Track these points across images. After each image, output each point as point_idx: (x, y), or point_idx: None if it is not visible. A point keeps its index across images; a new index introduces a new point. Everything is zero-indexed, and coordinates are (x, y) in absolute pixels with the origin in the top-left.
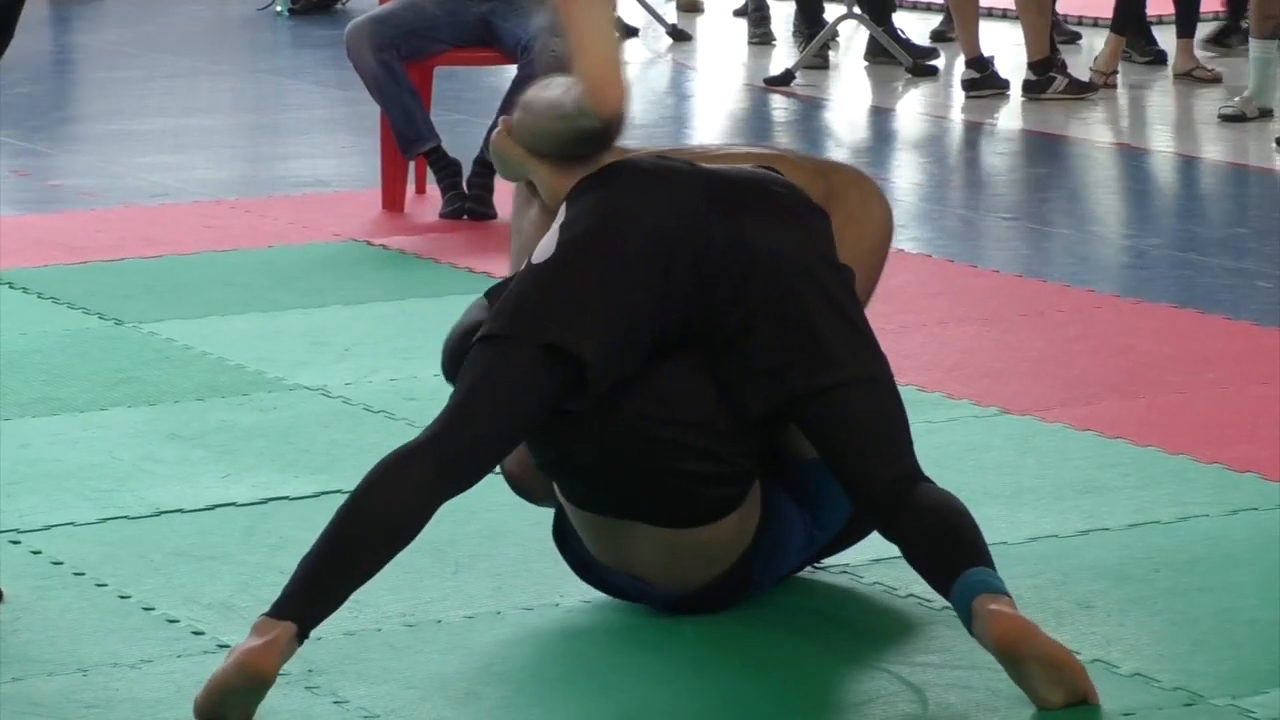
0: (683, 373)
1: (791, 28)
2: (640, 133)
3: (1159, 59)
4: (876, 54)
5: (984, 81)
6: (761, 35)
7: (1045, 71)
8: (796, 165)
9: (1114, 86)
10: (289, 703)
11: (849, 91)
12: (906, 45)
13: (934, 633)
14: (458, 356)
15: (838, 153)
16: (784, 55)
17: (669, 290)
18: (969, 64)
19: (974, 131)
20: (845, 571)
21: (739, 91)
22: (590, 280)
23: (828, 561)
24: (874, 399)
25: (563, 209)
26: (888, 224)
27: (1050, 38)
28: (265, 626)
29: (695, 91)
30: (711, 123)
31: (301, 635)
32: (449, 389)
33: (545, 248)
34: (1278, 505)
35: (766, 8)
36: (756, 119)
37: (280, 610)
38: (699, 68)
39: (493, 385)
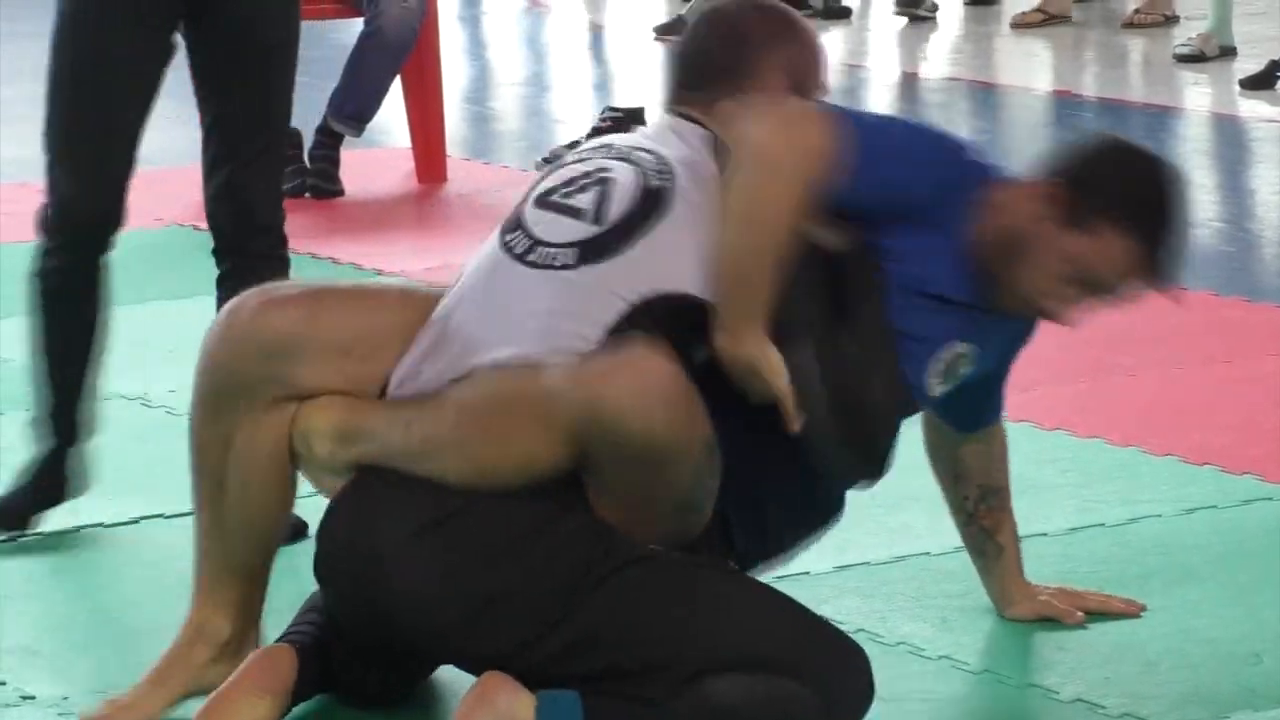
0: None
1: None
2: (515, 91)
3: None
4: None
5: None
6: None
7: None
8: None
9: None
10: None
11: None
12: None
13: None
14: None
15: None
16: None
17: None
18: None
19: (909, 83)
20: None
21: (630, 43)
22: None
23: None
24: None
25: None
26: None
27: None
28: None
29: (585, 44)
30: (589, 78)
31: None
32: None
33: None
34: (1240, 503)
35: None
36: (648, 73)
37: None
38: (587, 17)
39: None
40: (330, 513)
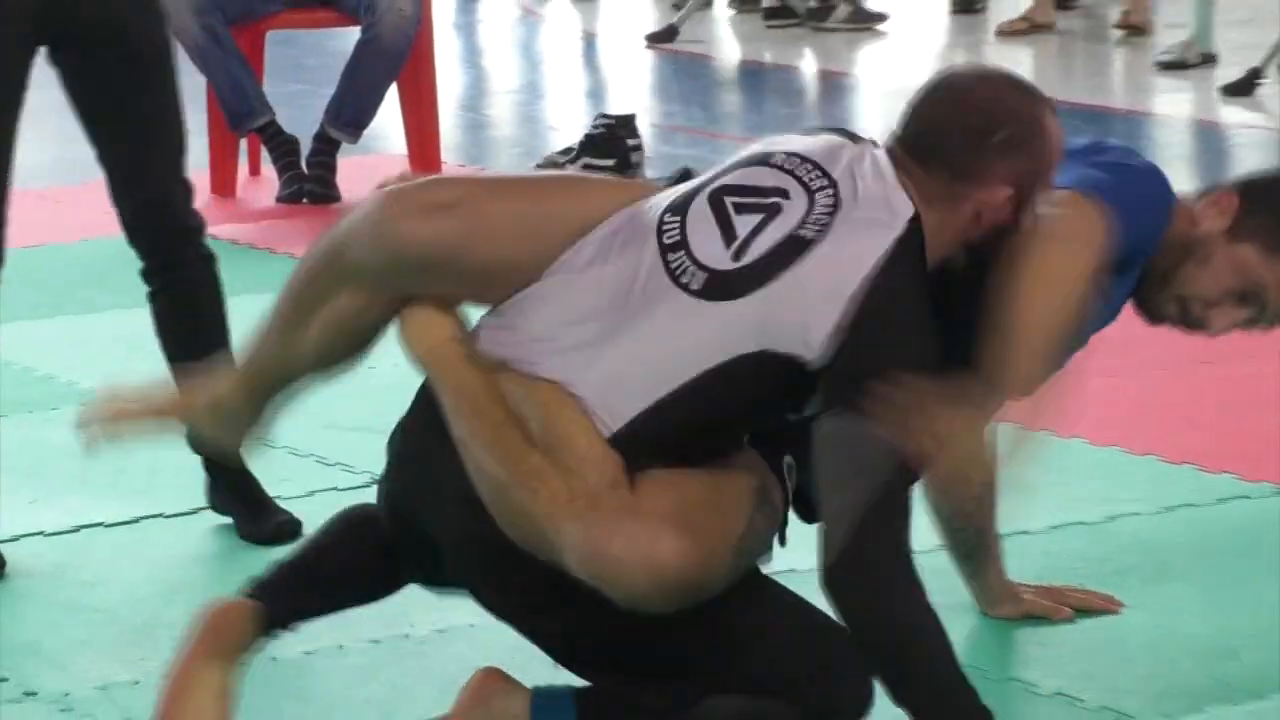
0: None
1: None
2: (510, 98)
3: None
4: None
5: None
6: None
7: None
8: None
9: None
10: None
11: (738, 47)
12: None
13: None
14: None
15: (727, 120)
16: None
17: None
18: None
19: (895, 92)
20: None
21: (623, 51)
22: None
23: None
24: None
25: None
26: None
27: None
28: None
29: (579, 51)
30: (583, 85)
31: None
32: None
33: None
34: (1217, 501)
35: None
36: (640, 80)
37: None
38: (580, 25)
39: None
40: (411, 407)
